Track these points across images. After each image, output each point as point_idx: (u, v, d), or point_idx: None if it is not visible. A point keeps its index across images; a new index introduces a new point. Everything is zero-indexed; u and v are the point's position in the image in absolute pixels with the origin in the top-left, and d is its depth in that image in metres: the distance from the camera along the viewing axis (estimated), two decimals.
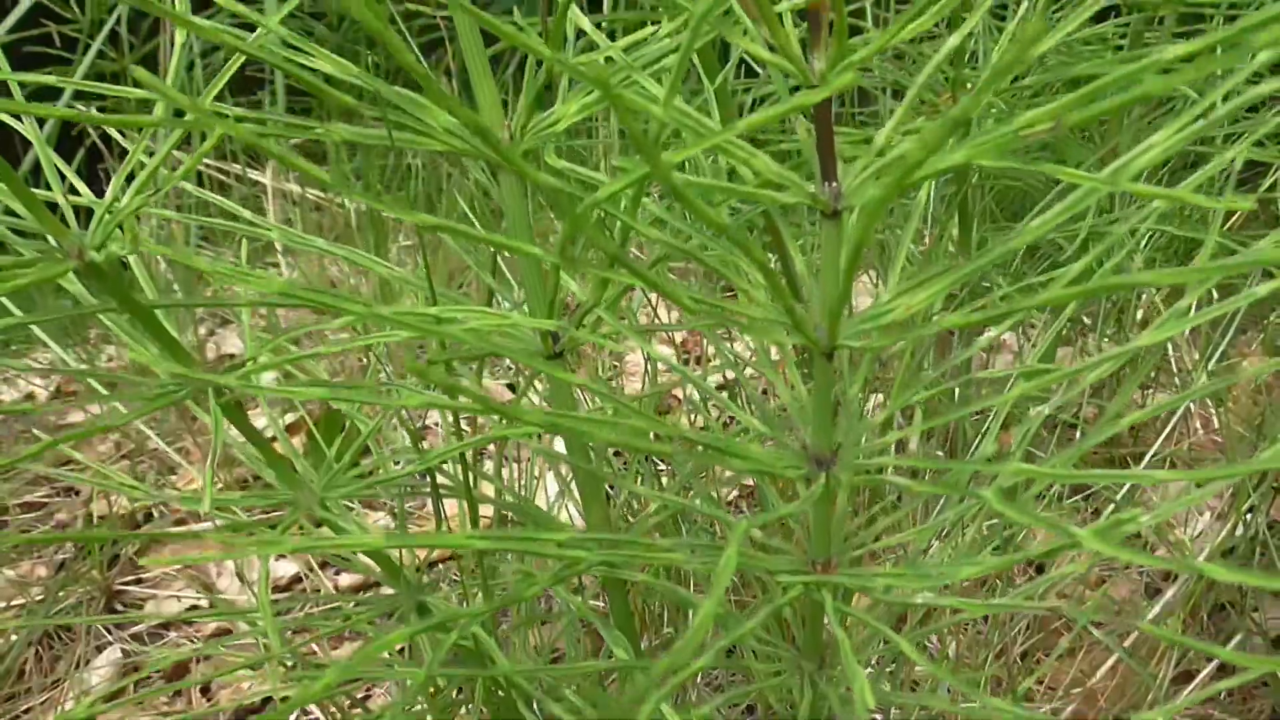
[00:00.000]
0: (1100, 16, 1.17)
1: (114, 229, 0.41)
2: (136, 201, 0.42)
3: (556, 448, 0.71)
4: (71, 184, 0.58)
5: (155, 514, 1.37)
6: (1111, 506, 0.99)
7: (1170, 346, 1.33)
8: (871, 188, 0.35)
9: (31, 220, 0.42)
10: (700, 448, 0.42)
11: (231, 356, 1.70)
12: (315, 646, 1.04)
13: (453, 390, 0.27)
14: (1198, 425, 1.29)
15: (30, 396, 1.76)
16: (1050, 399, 0.56)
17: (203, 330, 1.80)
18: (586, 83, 0.45)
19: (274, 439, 1.01)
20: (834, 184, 0.36)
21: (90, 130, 1.78)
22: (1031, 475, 0.40)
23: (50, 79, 0.49)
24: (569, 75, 0.41)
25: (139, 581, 1.26)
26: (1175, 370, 1.31)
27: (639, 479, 0.76)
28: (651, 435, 0.42)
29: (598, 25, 0.44)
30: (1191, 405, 1.30)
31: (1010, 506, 0.33)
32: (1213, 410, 1.30)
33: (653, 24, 0.44)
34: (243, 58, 0.47)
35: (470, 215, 1.53)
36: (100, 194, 0.57)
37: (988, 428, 0.49)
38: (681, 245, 0.37)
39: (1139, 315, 1.37)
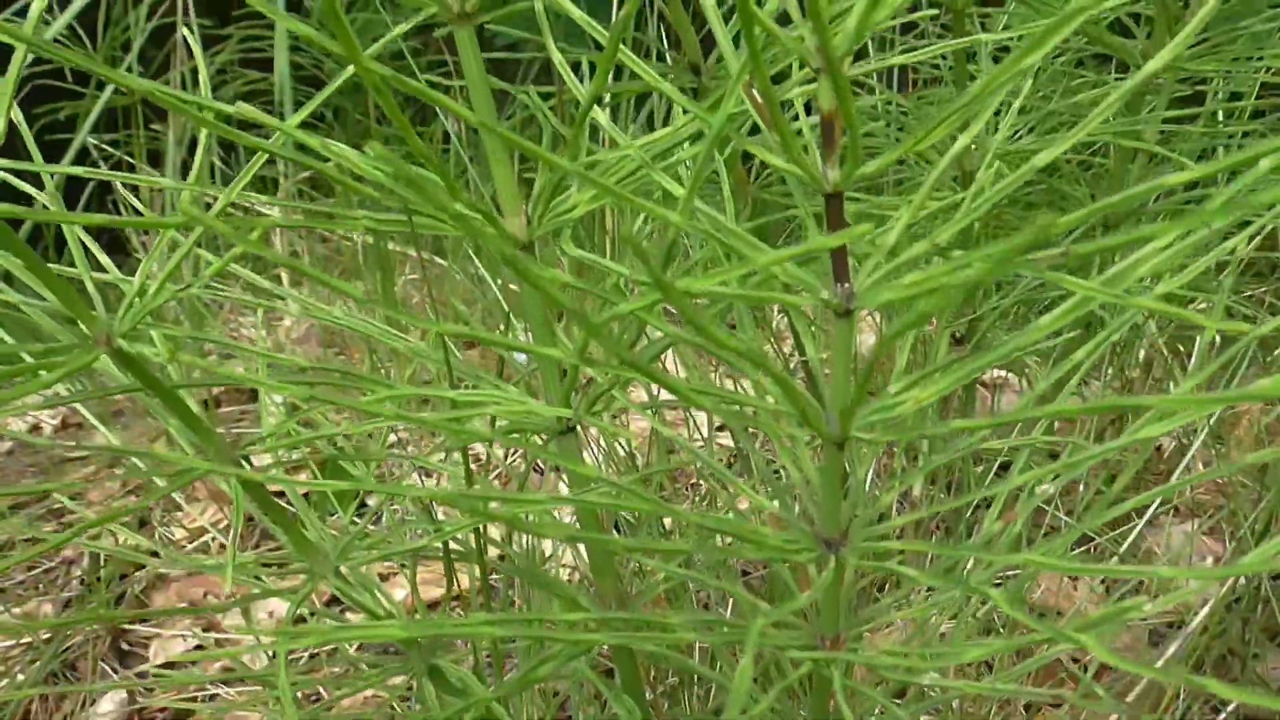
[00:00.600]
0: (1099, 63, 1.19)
1: (144, 317, 0.42)
2: (165, 294, 0.43)
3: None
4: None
5: (160, 551, 1.38)
6: (1115, 558, 1.00)
7: (1172, 388, 1.34)
8: (884, 291, 0.36)
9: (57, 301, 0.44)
10: (712, 532, 0.43)
11: (239, 391, 1.71)
12: (323, 690, 1.04)
13: (475, 510, 0.28)
14: (1200, 468, 1.29)
15: (36, 428, 1.77)
16: (1057, 467, 0.57)
17: (212, 359, 1.81)
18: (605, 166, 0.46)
19: (281, 494, 1.02)
20: (846, 285, 0.38)
21: (101, 162, 1.80)
22: (1029, 564, 0.41)
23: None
24: (585, 171, 0.42)
25: (144, 620, 1.27)
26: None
27: (647, 530, 0.77)
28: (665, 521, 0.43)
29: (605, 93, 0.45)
30: (1194, 445, 1.30)
31: (1015, 607, 0.34)
32: (1214, 453, 1.31)
33: (668, 115, 0.45)
34: (264, 157, 0.49)
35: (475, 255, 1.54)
36: (117, 249, 0.58)
37: (990, 507, 0.50)
38: (694, 339, 0.38)
39: (1140, 355, 1.38)
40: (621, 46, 0.37)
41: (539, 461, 1.21)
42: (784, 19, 0.40)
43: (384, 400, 0.44)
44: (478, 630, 0.38)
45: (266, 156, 0.49)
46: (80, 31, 1.81)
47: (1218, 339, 1.24)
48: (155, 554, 1.37)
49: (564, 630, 0.43)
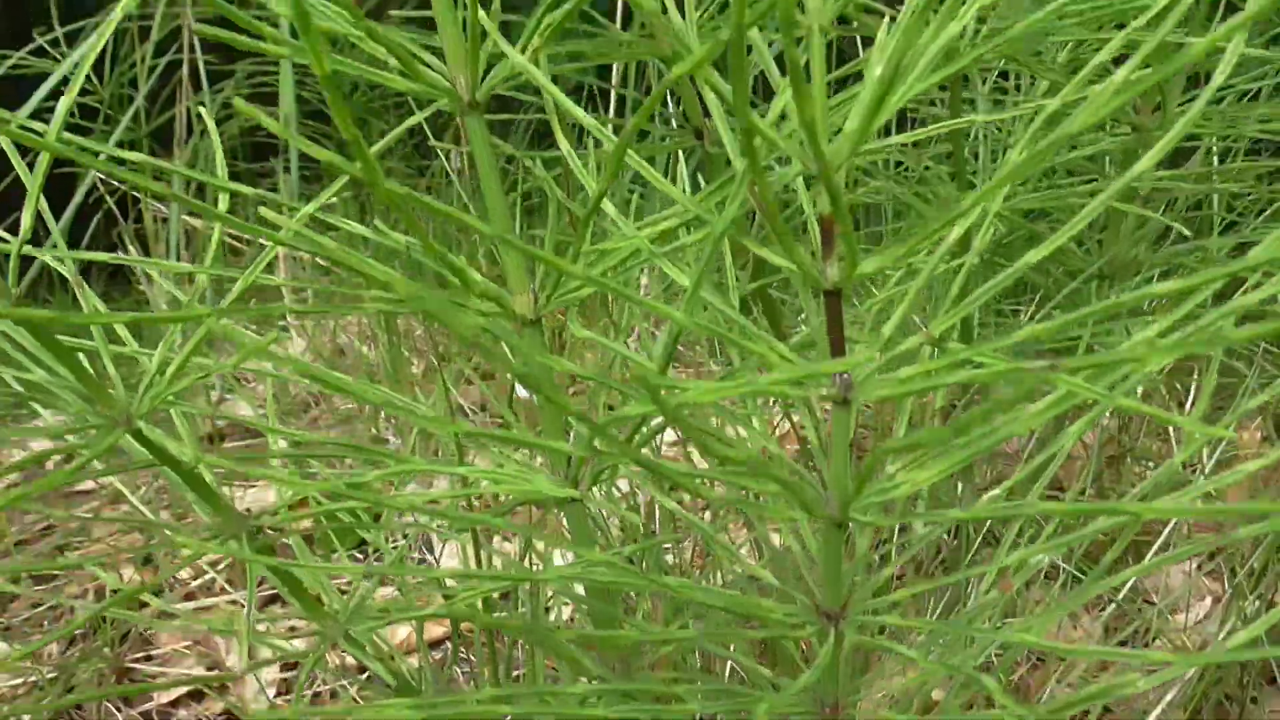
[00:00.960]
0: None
1: (163, 398, 0.43)
2: (183, 384, 0.44)
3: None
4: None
5: (166, 588, 1.39)
6: (1113, 606, 1.01)
7: (1171, 430, 1.35)
8: (880, 387, 0.37)
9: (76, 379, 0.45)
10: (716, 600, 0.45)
11: (245, 429, 1.72)
12: None
13: (487, 624, 0.30)
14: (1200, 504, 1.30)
15: (39, 461, 1.78)
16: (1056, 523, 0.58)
17: (214, 395, 1.82)
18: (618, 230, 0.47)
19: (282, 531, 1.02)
20: (844, 375, 0.39)
21: (107, 198, 1.82)
22: (1023, 643, 0.42)
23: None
24: (593, 276, 0.43)
25: (149, 659, 1.27)
26: (1175, 446, 1.32)
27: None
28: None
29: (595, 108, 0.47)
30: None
31: (1010, 701, 0.36)
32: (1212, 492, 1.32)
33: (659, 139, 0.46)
34: (253, 279, 0.50)
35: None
36: (119, 280, 0.60)
37: (985, 575, 0.51)
38: (699, 474, 0.40)
39: (1138, 390, 1.39)
40: (632, 154, 0.38)
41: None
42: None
43: (396, 474, 0.45)
44: (491, 711, 0.39)
45: (274, 249, 0.50)
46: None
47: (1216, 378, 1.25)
48: (158, 593, 1.38)
49: (571, 703, 0.44)
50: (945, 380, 0.34)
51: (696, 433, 0.28)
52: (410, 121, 0.50)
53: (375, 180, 0.30)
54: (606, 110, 1.47)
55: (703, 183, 0.71)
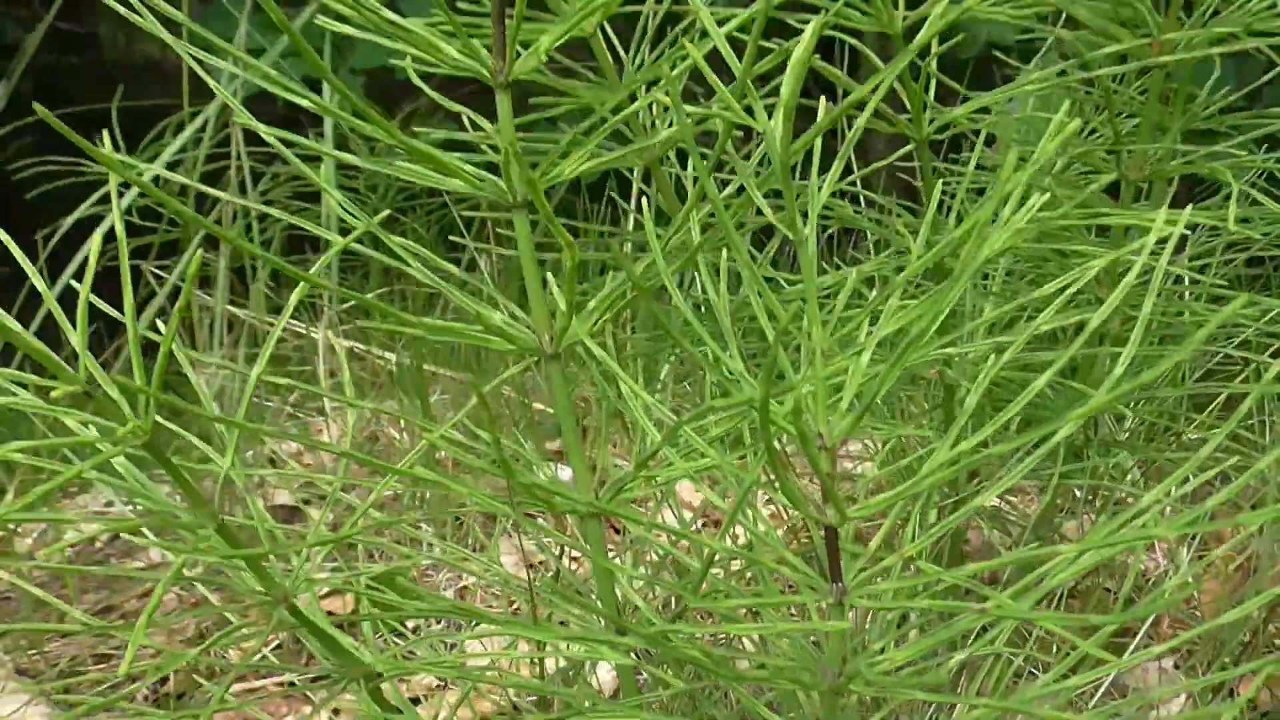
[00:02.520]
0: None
1: (305, 585, 0.55)
2: (335, 581, 0.55)
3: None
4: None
5: (217, 669, 1.49)
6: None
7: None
8: (868, 594, 0.49)
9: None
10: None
11: (283, 507, 1.83)
12: None
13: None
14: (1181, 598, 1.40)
15: (91, 540, 1.89)
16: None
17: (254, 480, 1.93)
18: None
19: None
20: (840, 584, 0.51)
21: (157, 288, 1.95)
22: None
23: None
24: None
25: None
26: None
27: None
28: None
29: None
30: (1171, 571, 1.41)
31: None
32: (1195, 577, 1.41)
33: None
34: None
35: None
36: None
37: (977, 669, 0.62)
38: (728, 656, 0.51)
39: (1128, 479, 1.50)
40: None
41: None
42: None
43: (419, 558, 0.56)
44: None
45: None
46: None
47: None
48: (211, 675, 1.49)
49: None
50: (934, 603, 0.46)
51: (713, 669, 0.40)
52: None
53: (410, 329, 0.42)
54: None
55: None
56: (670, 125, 0.67)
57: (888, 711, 0.61)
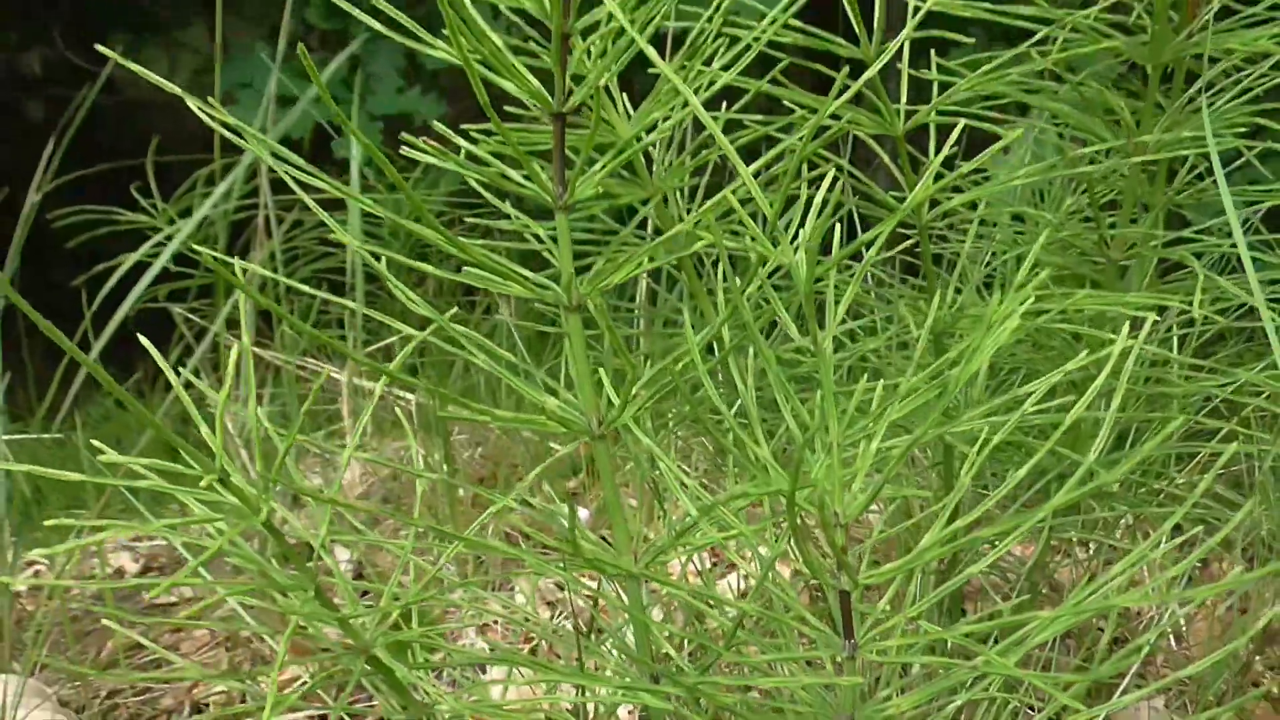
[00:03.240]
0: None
1: (382, 639, 0.62)
2: (414, 635, 0.63)
3: None
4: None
5: (249, 698, 1.56)
6: None
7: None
8: (877, 653, 0.57)
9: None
10: None
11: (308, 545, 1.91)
12: None
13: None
14: (1171, 642, 1.47)
15: (119, 572, 1.97)
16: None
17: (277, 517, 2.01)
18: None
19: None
20: (853, 641, 0.58)
21: (186, 332, 2.03)
22: None
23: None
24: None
25: None
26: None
27: None
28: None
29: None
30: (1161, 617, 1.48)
31: None
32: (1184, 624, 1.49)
33: None
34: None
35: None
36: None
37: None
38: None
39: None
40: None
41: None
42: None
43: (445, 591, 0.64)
44: None
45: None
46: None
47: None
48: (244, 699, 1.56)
49: None
50: (918, 659, 0.54)
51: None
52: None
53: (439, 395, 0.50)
54: None
55: None
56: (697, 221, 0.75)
57: None
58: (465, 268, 0.62)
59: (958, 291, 0.96)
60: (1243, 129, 0.90)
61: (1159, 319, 1.01)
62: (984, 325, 0.56)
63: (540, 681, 0.68)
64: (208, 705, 1.54)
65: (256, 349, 2.24)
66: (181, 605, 1.78)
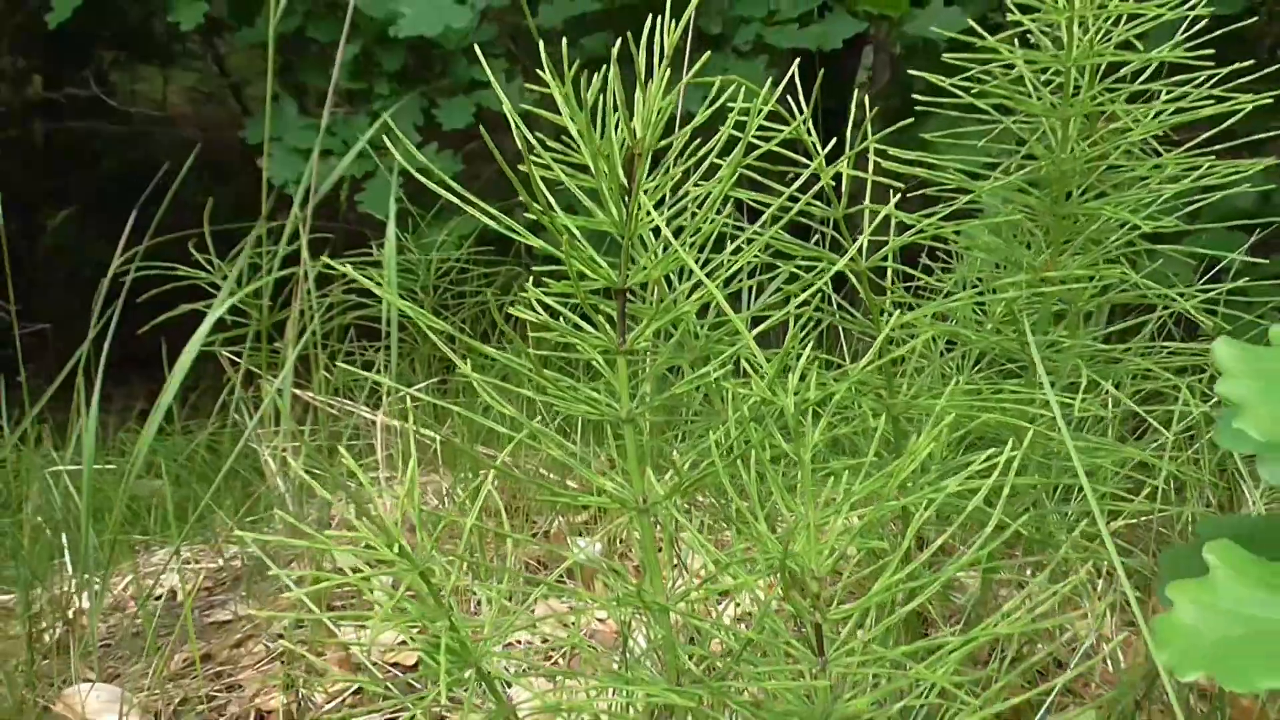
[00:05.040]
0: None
1: (488, 653, 0.88)
2: (489, 645, 0.88)
3: None
4: None
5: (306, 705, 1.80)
6: None
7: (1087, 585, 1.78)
8: (843, 666, 0.82)
9: None
10: None
11: (341, 570, 2.15)
12: None
13: None
14: (1108, 665, 1.73)
15: (172, 592, 2.20)
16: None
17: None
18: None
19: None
20: (824, 658, 0.84)
21: (232, 374, 2.27)
22: None
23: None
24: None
25: None
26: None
27: None
28: None
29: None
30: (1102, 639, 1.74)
31: None
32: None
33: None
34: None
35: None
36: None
37: None
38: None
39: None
40: None
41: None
42: None
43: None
44: None
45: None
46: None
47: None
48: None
49: None
50: (870, 671, 0.80)
51: None
52: None
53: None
54: None
55: None
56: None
57: None
58: (546, 391, 0.88)
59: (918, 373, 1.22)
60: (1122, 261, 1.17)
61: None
62: (929, 423, 0.82)
63: (595, 685, 0.92)
64: (270, 713, 1.78)
65: (296, 389, 2.50)
66: (236, 624, 2.02)
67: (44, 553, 2.21)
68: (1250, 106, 1.03)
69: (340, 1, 3.03)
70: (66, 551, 2.11)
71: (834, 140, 1.01)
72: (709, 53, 0.88)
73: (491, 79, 0.83)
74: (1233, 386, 0.80)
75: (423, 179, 0.86)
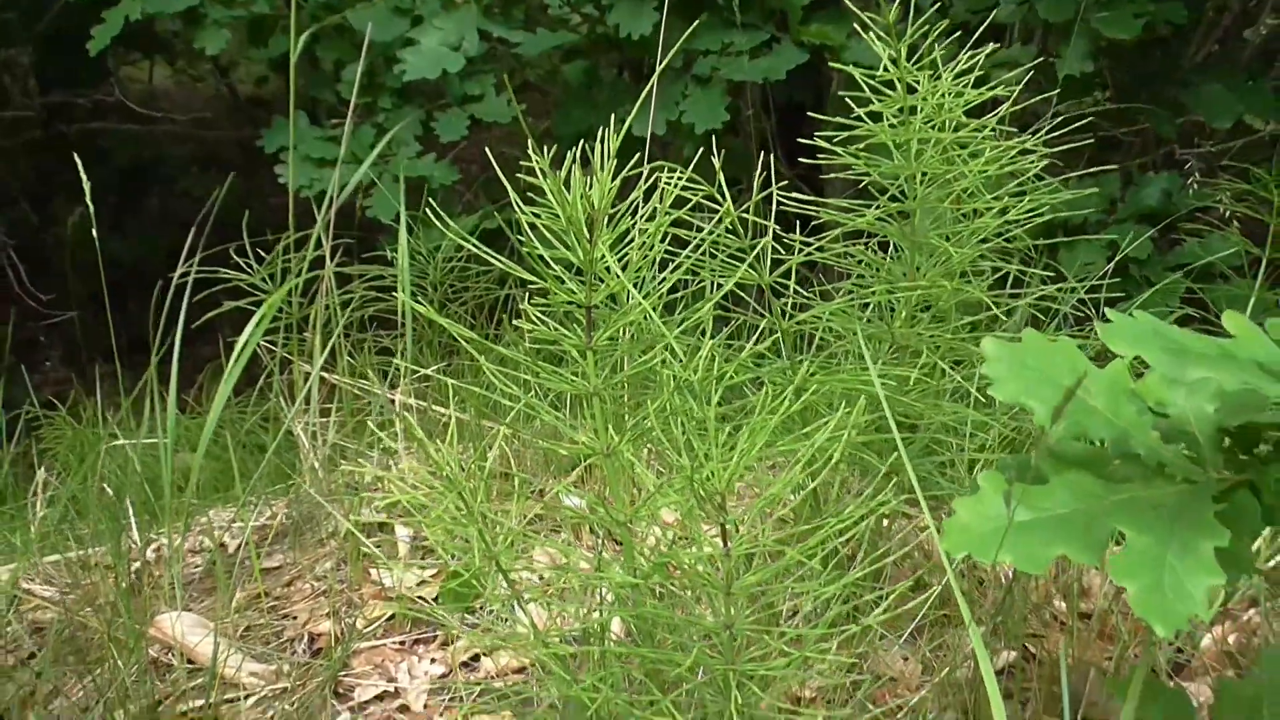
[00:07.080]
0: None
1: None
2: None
3: None
4: None
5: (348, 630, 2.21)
6: None
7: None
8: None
9: None
10: None
11: (382, 586, 2.53)
12: None
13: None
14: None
15: (223, 546, 2.63)
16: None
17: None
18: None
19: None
20: (728, 545, 1.28)
21: (268, 360, 2.69)
22: None
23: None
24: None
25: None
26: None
27: None
28: None
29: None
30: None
31: None
32: None
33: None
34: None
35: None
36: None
37: None
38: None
39: None
40: None
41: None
42: None
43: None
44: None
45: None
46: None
47: None
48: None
49: None
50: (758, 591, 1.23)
51: None
52: None
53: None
54: None
55: None
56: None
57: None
58: (520, 361, 1.30)
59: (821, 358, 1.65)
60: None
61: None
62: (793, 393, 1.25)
63: (577, 575, 1.35)
64: (321, 634, 2.19)
65: (324, 373, 2.92)
66: (284, 569, 2.45)
67: (108, 514, 2.64)
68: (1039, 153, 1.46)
69: (345, 25, 3.45)
70: (131, 512, 2.52)
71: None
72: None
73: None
74: (993, 368, 1.23)
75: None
